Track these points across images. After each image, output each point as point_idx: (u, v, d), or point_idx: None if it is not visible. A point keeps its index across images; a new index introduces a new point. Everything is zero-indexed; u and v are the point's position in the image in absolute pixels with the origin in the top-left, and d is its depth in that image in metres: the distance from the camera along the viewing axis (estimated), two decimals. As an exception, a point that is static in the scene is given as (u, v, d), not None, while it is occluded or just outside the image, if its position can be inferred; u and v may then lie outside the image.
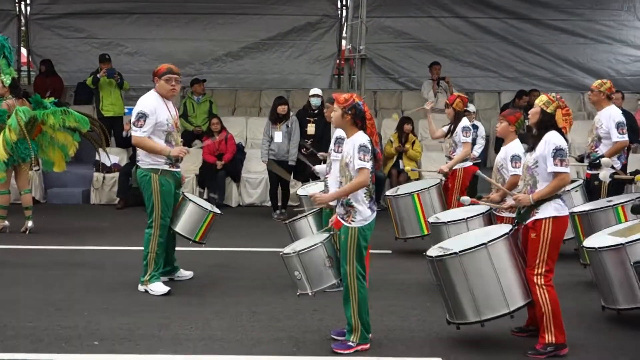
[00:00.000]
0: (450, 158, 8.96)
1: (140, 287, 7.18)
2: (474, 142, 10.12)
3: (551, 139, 5.46)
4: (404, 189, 9.24)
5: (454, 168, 8.81)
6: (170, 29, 14.81)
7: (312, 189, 8.12)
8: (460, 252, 5.54)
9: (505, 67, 15.28)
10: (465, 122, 8.85)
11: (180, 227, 7.35)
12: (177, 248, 7.60)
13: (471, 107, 11.19)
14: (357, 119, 5.54)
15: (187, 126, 12.77)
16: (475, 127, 10.55)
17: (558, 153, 5.39)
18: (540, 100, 5.62)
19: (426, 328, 6.16)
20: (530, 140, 5.72)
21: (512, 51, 15.28)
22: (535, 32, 15.19)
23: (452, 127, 8.92)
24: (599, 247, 6.14)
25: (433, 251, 5.81)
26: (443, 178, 8.96)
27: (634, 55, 15.29)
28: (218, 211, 7.69)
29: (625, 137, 7.88)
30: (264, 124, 11.55)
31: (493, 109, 14.32)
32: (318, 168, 7.98)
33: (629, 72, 15.18)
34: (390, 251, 8.95)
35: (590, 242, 6.36)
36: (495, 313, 5.55)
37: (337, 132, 6.69)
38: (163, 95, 7.14)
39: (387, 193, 9.26)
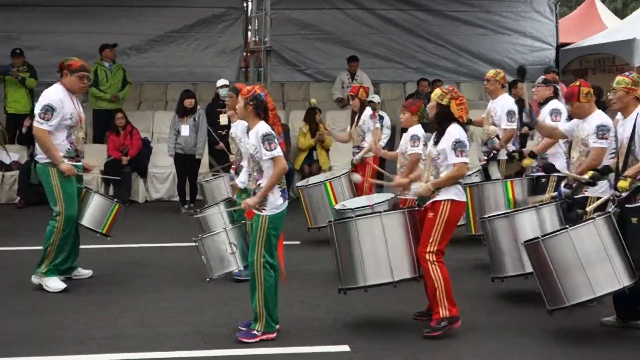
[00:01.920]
0: (359, 147, 9.11)
1: (34, 279, 7.00)
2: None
3: (451, 132, 5.70)
4: (314, 180, 9.34)
5: (365, 157, 8.97)
6: (72, 22, 14.37)
7: (215, 182, 8.14)
8: (356, 216, 5.83)
9: (410, 58, 15.53)
10: (369, 110, 9.06)
11: (86, 220, 7.22)
12: (81, 246, 7.45)
13: (376, 98, 11.37)
14: (260, 110, 5.62)
15: (101, 95, 12.50)
16: (381, 118, 10.73)
17: (458, 145, 5.64)
18: (435, 94, 5.86)
19: (334, 317, 6.25)
20: (434, 133, 5.91)
21: (416, 42, 15.53)
22: (437, 23, 15.48)
23: (358, 116, 9.09)
24: (489, 217, 6.50)
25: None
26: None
27: (531, 45, 15.78)
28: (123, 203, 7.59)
29: (514, 125, 8.19)
30: (171, 117, 11.44)
31: (399, 99, 14.55)
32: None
33: (527, 62, 15.58)
34: (299, 242, 9.02)
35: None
36: (380, 280, 5.79)
37: (241, 123, 6.78)
38: (71, 90, 7.06)
39: (298, 184, 9.33)
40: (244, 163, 6.74)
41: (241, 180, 6.66)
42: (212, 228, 7.26)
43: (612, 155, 6.12)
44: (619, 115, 5.96)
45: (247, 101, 5.60)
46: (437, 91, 5.86)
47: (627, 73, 5.80)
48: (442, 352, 5.54)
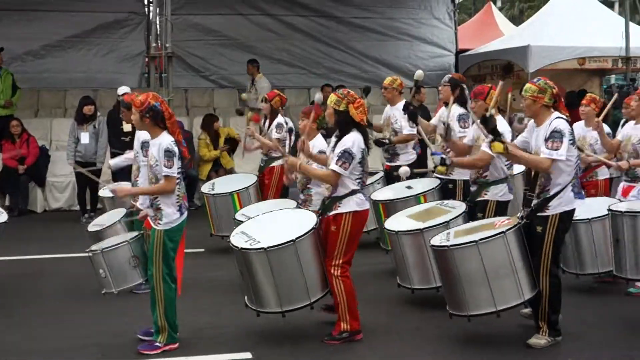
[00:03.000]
0: (266, 155, 9.08)
1: None
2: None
3: (346, 141, 5.63)
4: (219, 185, 9.22)
5: (271, 165, 8.94)
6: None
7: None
8: (268, 247, 5.59)
9: (314, 64, 15.61)
10: (280, 119, 9.00)
11: None
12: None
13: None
14: (158, 120, 5.51)
15: None
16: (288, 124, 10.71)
17: (344, 155, 5.58)
18: (331, 100, 5.74)
19: (236, 324, 6.21)
20: (335, 139, 5.84)
21: (320, 48, 15.63)
22: (340, 29, 15.62)
23: (269, 123, 9.05)
24: (398, 231, 6.47)
25: (238, 240, 5.77)
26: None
27: (432, 51, 16.11)
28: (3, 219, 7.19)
29: (414, 130, 8.18)
30: (70, 125, 11.14)
31: (303, 105, 14.59)
32: (112, 162, 7.86)
33: (428, 68, 15.94)
34: (202, 249, 8.93)
35: (390, 223, 6.69)
36: (298, 304, 5.72)
37: (141, 135, 6.63)
38: None
39: (204, 190, 9.19)
40: (140, 178, 6.63)
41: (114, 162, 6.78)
42: (109, 239, 7.09)
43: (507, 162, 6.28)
44: (531, 122, 5.80)
45: (143, 114, 5.48)
46: (332, 97, 5.75)
47: (535, 80, 5.65)
48: (342, 355, 5.57)
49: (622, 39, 13.19)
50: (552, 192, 5.48)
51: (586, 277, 6.98)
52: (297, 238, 5.60)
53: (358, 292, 5.88)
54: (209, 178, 12.05)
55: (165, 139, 5.47)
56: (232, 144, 12.45)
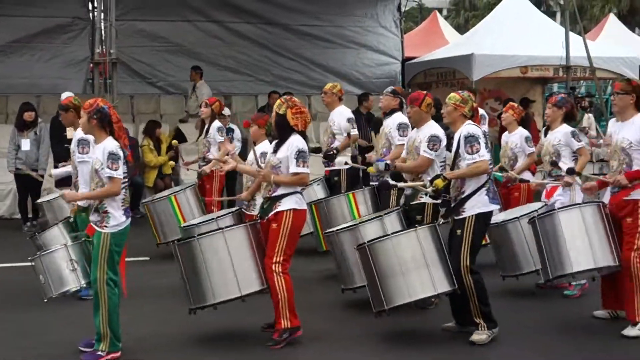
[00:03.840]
0: (204, 159, 9.08)
1: None
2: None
3: (294, 142, 5.80)
4: (159, 194, 9.24)
5: (212, 169, 8.92)
6: None
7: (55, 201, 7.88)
8: (198, 235, 5.83)
9: (262, 71, 15.61)
10: (218, 123, 9.07)
11: None
12: None
13: (226, 111, 11.35)
14: (105, 123, 5.53)
15: None
16: (231, 130, 10.74)
17: (300, 155, 5.75)
18: (276, 104, 5.97)
19: (184, 332, 6.18)
20: (274, 142, 6.02)
21: (268, 56, 15.63)
22: (288, 37, 15.65)
23: (207, 127, 9.07)
24: (335, 230, 6.65)
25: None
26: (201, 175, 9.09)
27: (378, 59, 16.24)
28: None
29: (355, 131, 8.64)
30: (10, 131, 10.93)
31: (250, 112, 14.57)
32: (54, 172, 7.80)
33: (375, 76, 16.16)
34: (148, 258, 8.85)
35: (329, 228, 6.92)
36: (229, 296, 5.81)
37: (79, 135, 6.67)
38: None
39: (144, 200, 9.20)
40: (81, 178, 6.60)
41: (56, 172, 6.72)
42: (51, 246, 6.99)
43: (442, 165, 6.46)
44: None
45: (91, 115, 5.51)
46: (278, 101, 5.99)
47: (460, 91, 6.07)
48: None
49: (562, 48, 13.50)
50: (466, 193, 5.77)
51: (526, 278, 7.09)
52: (225, 227, 5.85)
53: (300, 298, 5.92)
54: (155, 185, 11.98)
55: (110, 143, 5.49)
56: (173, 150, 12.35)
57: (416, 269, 5.65)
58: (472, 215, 5.75)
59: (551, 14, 29.71)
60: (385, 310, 5.70)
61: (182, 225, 7.64)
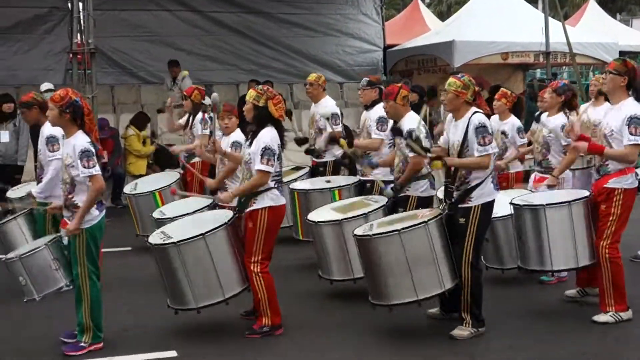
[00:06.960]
0: (187, 152, 8.98)
1: None
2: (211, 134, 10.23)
3: (262, 137, 5.65)
4: (142, 184, 9.12)
5: (191, 162, 8.84)
6: None
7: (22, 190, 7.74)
8: (178, 241, 5.64)
9: (242, 60, 15.55)
10: (201, 115, 8.92)
11: None
12: None
13: (207, 100, 11.28)
14: (77, 117, 5.41)
15: None
16: (211, 119, 10.64)
17: (265, 152, 5.59)
18: (250, 95, 5.74)
19: (161, 323, 6.15)
20: (249, 135, 5.88)
21: (248, 44, 15.57)
22: (268, 25, 15.60)
23: (192, 119, 8.96)
24: (318, 222, 6.52)
25: (154, 237, 5.87)
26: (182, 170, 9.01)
27: (359, 47, 16.24)
28: None
29: (339, 127, 8.28)
30: (-11, 123, 10.81)
31: (232, 101, 14.53)
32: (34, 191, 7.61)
33: (356, 63, 16.15)
34: (130, 248, 8.82)
35: (312, 215, 6.75)
36: (212, 300, 5.75)
37: (47, 131, 6.52)
38: None
39: (126, 190, 9.09)
40: (48, 174, 6.50)
41: (38, 190, 6.49)
42: (11, 240, 6.90)
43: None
44: (449, 116, 5.91)
45: (63, 109, 5.35)
46: (251, 92, 5.75)
47: (459, 75, 5.75)
48: (268, 350, 5.60)
49: (542, 34, 13.54)
50: (473, 184, 5.60)
51: (510, 271, 7.06)
52: (206, 232, 5.65)
53: (282, 286, 5.91)
54: (147, 175, 11.87)
55: (80, 140, 5.36)
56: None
57: (426, 265, 5.51)
58: (479, 205, 5.59)
59: (533, 1, 29.73)
60: (389, 306, 5.62)
61: (156, 218, 7.46)
